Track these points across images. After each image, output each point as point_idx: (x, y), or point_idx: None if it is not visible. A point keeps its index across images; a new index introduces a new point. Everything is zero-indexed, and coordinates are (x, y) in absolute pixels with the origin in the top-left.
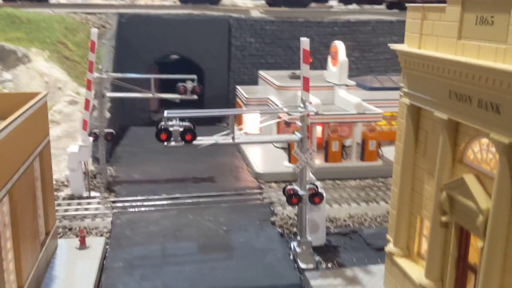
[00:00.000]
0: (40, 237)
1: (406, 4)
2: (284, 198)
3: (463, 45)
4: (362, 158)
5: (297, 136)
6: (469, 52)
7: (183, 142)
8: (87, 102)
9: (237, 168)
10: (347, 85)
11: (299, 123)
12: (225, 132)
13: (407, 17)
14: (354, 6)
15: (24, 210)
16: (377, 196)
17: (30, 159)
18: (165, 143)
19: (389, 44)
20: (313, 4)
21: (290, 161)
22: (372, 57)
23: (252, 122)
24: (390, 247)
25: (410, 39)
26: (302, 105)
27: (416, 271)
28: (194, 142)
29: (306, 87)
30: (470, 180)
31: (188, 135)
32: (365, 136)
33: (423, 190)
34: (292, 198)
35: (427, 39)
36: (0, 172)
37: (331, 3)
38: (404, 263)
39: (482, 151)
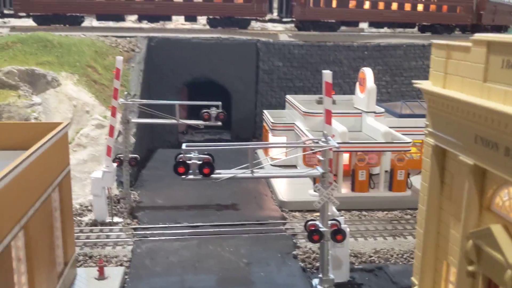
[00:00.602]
0: (57, 268)
1: (432, 41)
2: None
3: (489, 89)
4: (391, 188)
5: (319, 171)
6: (495, 96)
7: (201, 176)
8: (111, 128)
9: (260, 195)
10: (375, 112)
11: (320, 157)
12: (244, 166)
13: (432, 53)
14: (385, 30)
15: (40, 243)
16: (404, 230)
17: (48, 191)
18: (183, 177)
19: (413, 81)
20: (343, 28)
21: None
22: (403, 81)
23: (277, 149)
24: None
25: (434, 77)
26: (324, 139)
27: None
28: (212, 176)
29: (328, 120)
30: (498, 231)
31: (206, 168)
32: (394, 165)
33: (449, 235)
34: (314, 235)
35: (451, 78)
36: (15, 207)
37: (361, 26)
38: None
39: (511, 200)
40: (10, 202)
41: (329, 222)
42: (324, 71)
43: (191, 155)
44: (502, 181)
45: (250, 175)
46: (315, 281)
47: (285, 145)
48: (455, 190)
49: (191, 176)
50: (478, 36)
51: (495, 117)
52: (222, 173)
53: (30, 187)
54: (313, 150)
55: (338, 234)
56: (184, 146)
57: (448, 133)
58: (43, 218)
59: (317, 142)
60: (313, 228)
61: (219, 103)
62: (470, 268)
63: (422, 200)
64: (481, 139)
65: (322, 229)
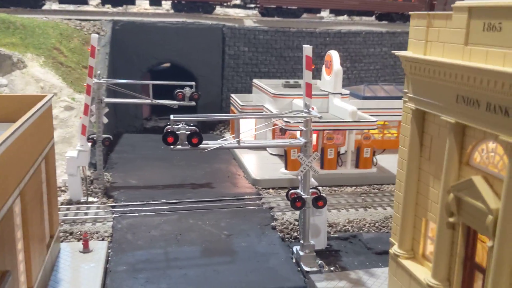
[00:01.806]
0: (46, 240)
1: (410, 12)
2: (283, 204)
3: (470, 51)
4: (357, 165)
5: (301, 140)
6: (477, 57)
7: (190, 146)
8: (86, 107)
9: (233, 175)
10: (341, 94)
11: (302, 128)
12: (230, 136)
13: (411, 24)
14: (344, 17)
15: (33, 212)
16: (374, 202)
17: (38, 161)
18: (172, 147)
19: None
20: (304, 15)
21: (286, 168)
22: (363, 67)
23: (247, 129)
24: (395, 249)
25: (414, 46)
26: (306, 110)
27: (422, 272)
28: (200, 146)
29: (308, 93)
30: (479, 181)
31: (195, 138)
32: (360, 144)
33: (429, 193)
34: (296, 201)
35: (432, 45)
36: (14, 171)
37: (322, 13)
38: (409, 264)
39: (489, 154)
40: (11, 164)
41: (310, 190)
42: (304, 45)
43: (179, 126)
44: (481, 136)
45: (236, 145)
46: (296, 248)
47: (272, 116)
48: (434, 151)
49: (179, 146)
50: (459, 3)
51: (478, 75)
52: (210, 143)
53: (25, 154)
54: (287, 122)
55: (319, 201)
56: (172, 117)
57: (429, 96)
58: (35, 188)
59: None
60: (295, 196)
61: (193, 83)
62: (451, 219)
63: (401, 164)
64: (462, 98)
65: (304, 196)
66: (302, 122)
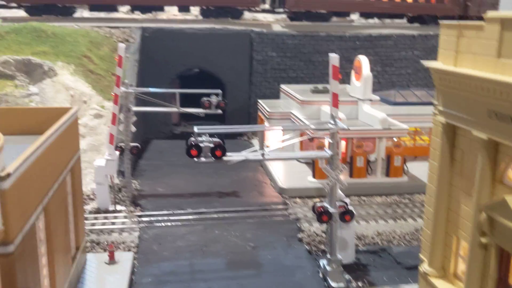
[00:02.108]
0: (71, 252)
1: (440, 21)
2: (310, 214)
3: (503, 64)
4: (388, 174)
5: (327, 153)
6: (510, 70)
7: (214, 159)
8: (114, 116)
9: (260, 183)
10: (371, 100)
11: (328, 140)
12: (254, 148)
13: (441, 34)
14: (375, 20)
15: (57, 225)
16: (404, 213)
17: (63, 174)
18: (195, 159)
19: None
20: (334, 18)
21: (314, 176)
22: (394, 71)
23: (275, 137)
24: (424, 267)
25: (444, 56)
26: (332, 122)
27: None
28: (224, 158)
29: (335, 103)
30: None
31: (219, 151)
32: (390, 151)
33: (460, 210)
34: (323, 216)
35: (463, 56)
36: (38, 188)
37: (352, 17)
38: (440, 283)
39: None
40: (34, 181)
41: (337, 203)
42: (331, 54)
43: (203, 138)
44: None
45: (260, 157)
46: (323, 262)
47: (296, 128)
48: (466, 166)
49: (203, 159)
50: (491, 14)
51: (511, 90)
52: (234, 156)
53: (49, 169)
54: (311, 137)
55: (346, 215)
56: (195, 129)
57: (460, 110)
58: (60, 201)
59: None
60: (321, 210)
61: (219, 91)
62: (483, 240)
63: (431, 179)
64: (495, 114)
65: (331, 210)
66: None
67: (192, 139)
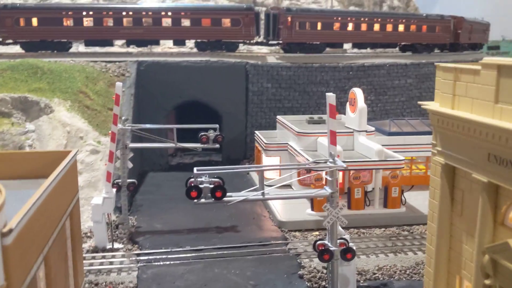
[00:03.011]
0: None
1: (435, 63)
2: (310, 249)
3: (501, 109)
4: (386, 205)
5: (327, 191)
6: (508, 116)
7: (213, 199)
8: (111, 154)
9: (259, 216)
10: (366, 131)
11: (328, 177)
12: (253, 188)
13: (437, 76)
14: (367, 50)
15: (57, 272)
16: (404, 246)
17: (63, 220)
18: (195, 201)
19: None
20: (328, 49)
21: (313, 209)
22: (388, 99)
23: (272, 163)
24: None
25: (442, 98)
26: (331, 160)
27: None
28: (225, 199)
29: (333, 141)
30: None
31: (219, 192)
32: (387, 182)
33: (462, 250)
34: (324, 254)
35: (460, 100)
36: (39, 239)
37: (345, 46)
38: None
39: None
40: (36, 233)
41: (338, 241)
42: (327, 94)
43: (202, 179)
44: None
45: (261, 197)
46: None
47: (295, 167)
48: (467, 207)
49: (203, 200)
50: (487, 60)
51: (509, 136)
52: (234, 196)
53: (50, 217)
54: (309, 170)
55: (348, 253)
56: (195, 170)
57: (459, 152)
58: (60, 248)
59: (324, 163)
60: (322, 248)
61: (217, 126)
62: (487, 281)
63: (431, 217)
64: (494, 157)
65: (332, 248)
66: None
67: (192, 179)
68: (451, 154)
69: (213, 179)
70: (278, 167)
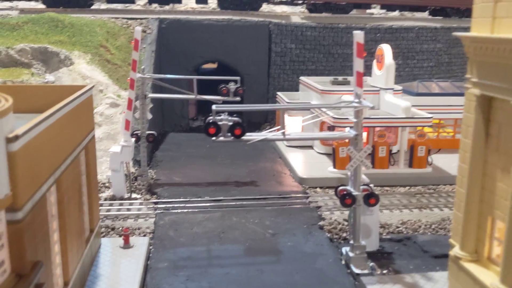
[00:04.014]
0: (85, 234)
1: None
2: (331, 203)
3: None
4: (411, 165)
5: (351, 133)
6: None
7: (232, 137)
8: (130, 101)
9: (279, 173)
10: (393, 90)
11: (353, 119)
12: (274, 128)
13: (475, 2)
14: (395, 13)
15: (70, 203)
16: (429, 203)
17: (77, 150)
18: (214, 138)
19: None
20: (354, 11)
21: (335, 166)
22: (416, 64)
23: (294, 124)
24: (456, 251)
25: (479, 25)
26: (357, 100)
27: (488, 276)
28: (244, 137)
29: (359, 82)
30: None
31: (238, 129)
32: (414, 142)
33: (496, 188)
34: (346, 198)
35: (501, 22)
36: (50, 158)
37: (372, 10)
38: (473, 268)
39: None
40: (45, 150)
41: (361, 187)
42: (355, 32)
43: (222, 117)
44: None
45: (281, 136)
46: (345, 249)
47: (319, 106)
48: (504, 140)
49: (221, 138)
50: None
51: None
52: (253, 135)
53: (61, 141)
54: (331, 126)
55: (371, 198)
56: (214, 107)
57: (498, 79)
58: (73, 178)
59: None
60: (345, 193)
61: (238, 78)
62: None
63: (463, 158)
64: None
65: (355, 193)
66: (351, 118)
67: (210, 117)
68: (489, 83)
69: (233, 118)
70: (302, 107)
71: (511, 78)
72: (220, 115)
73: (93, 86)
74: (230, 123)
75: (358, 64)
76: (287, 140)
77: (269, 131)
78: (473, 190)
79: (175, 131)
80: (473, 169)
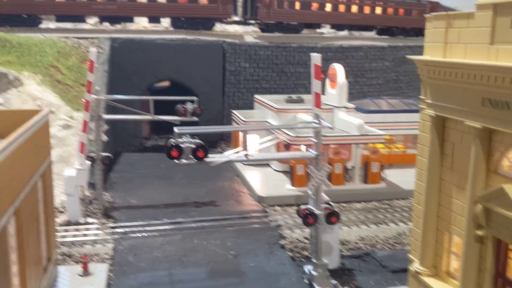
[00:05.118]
0: (42, 263)
1: (425, 15)
2: (291, 221)
3: (497, 50)
4: (366, 181)
5: (312, 153)
6: (505, 56)
7: (195, 160)
8: (85, 123)
9: (238, 192)
10: (346, 108)
11: (313, 140)
12: (236, 150)
13: (427, 27)
14: (344, 33)
15: (29, 233)
16: (385, 218)
17: (34, 177)
18: (176, 161)
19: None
20: (305, 30)
21: (293, 184)
22: (365, 82)
23: (252, 143)
24: (416, 267)
25: (432, 49)
26: (316, 121)
27: None
28: (207, 159)
29: (317, 103)
30: (511, 190)
31: (201, 152)
32: (367, 159)
33: (452, 205)
34: (308, 218)
35: (452, 47)
36: (8, 189)
37: (322, 30)
38: (433, 282)
39: None
40: (4, 180)
41: (321, 205)
42: (312, 54)
43: (183, 140)
44: (510, 141)
45: (244, 158)
46: (308, 268)
47: (280, 127)
48: (457, 159)
49: (184, 160)
50: (482, 1)
51: (507, 75)
52: (216, 157)
53: (20, 170)
54: (287, 144)
55: (332, 216)
56: (176, 129)
57: (451, 101)
58: (31, 207)
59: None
60: (307, 212)
61: (195, 98)
62: (479, 232)
63: (420, 175)
64: (489, 101)
65: (317, 212)
66: (308, 137)
67: (172, 140)
68: (442, 104)
69: (195, 140)
70: (263, 127)
71: (463, 100)
72: (181, 137)
73: (49, 110)
74: (193, 146)
75: (316, 86)
76: (250, 161)
77: (232, 152)
78: (431, 206)
79: (128, 151)
80: (430, 187)
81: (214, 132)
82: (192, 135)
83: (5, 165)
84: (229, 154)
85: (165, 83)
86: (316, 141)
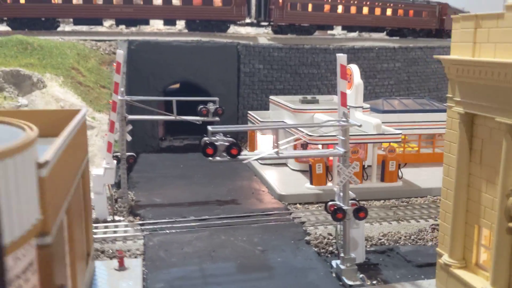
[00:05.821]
0: (85, 257)
1: (452, 16)
2: (313, 218)
3: None
4: (383, 179)
5: (340, 150)
6: None
7: (229, 157)
8: (112, 124)
9: (258, 191)
10: (362, 107)
11: (341, 137)
12: (267, 149)
13: (454, 28)
14: (355, 34)
15: (76, 226)
16: (406, 215)
17: (79, 174)
18: (210, 159)
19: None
20: (317, 32)
21: (312, 183)
22: (377, 82)
23: (265, 142)
24: (445, 259)
25: (460, 49)
26: (344, 119)
27: (477, 281)
28: (240, 157)
29: (343, 103)
30: None
31: (234, 149)
32: (385, 157)
33: (481, 199)
34: (337, 213)
35: (482, 46)
36: (65, 183)
37: (334, 31)
38: (463, 274)
39: None
40: (63, 175)
41: (349, 201)
42: (338, 54)
43: (216, 138)
44: None
45: (275, 155)
46: (335, 262)
47: (308, 125)
48: (486, 154)
49: (218, 158)
50: (510, 2)
51: None
52: (248, 155)
53: (71, 165)
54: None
55: (360, 212)
56: (210, 128)
57: (480, 98)
58: (77, 202)
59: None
60: (335, 207)
61: (216, 98)
62: (511, 224)
63: (448, 172)
64: None
65: (345, 207)
66: (327, 136)
67: (206, 138)
68: (471, 102)
69: (228, 138)
70: (294, 125)
71: (493, 97)
72: (214, 136)
73: (87, 110)
74: (227, 144)
75: (342, 85)
76: (282, 158)
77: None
78: (459, 201)
79: (146, 152)
80: (459, 182)
81: (248, 129)
82: (225, 133)
83: (62, 160)
84: (261, 152)
85: (176, 85)
86: (343, 138)
